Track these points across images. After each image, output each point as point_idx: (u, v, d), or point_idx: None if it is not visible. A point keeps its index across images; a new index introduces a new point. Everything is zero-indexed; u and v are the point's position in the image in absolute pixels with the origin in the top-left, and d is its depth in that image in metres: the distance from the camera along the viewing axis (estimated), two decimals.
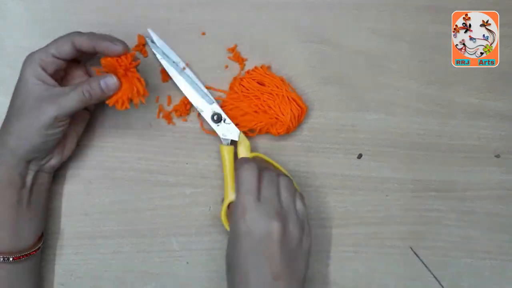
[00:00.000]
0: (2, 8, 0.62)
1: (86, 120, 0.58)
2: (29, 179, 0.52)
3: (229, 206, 0.56)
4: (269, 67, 0.61)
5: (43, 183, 0.55)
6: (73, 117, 0.54)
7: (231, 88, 0.61)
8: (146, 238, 0.59)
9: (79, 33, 0.52)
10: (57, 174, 0.59)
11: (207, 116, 0.58)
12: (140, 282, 0.59)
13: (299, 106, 0.59)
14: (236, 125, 0.59)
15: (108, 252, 0.59)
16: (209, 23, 0.63)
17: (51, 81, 0.51)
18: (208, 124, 0.59)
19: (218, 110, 0.58)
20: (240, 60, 0.62)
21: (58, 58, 0.51)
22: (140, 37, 0.61)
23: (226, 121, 0.58)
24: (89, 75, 0.57)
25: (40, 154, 0.52)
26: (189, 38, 0.62)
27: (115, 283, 0.59)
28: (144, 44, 0.61)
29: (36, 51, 0.52)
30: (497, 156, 0.62)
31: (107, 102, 0.52)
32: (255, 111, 0.59)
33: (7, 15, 0.62)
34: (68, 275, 0.59)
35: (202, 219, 0.60)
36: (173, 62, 0.59)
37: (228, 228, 0.56)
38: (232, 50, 0.62)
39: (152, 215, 0.60)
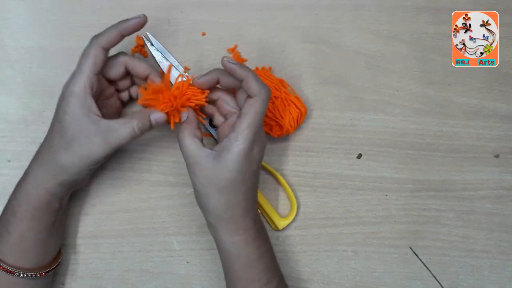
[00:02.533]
0: (3, 9, 0.62)
1: None
2: (64, 201, 0.54)
3: None
4: (270, 69, 0.62)
5: (68, 200, 0.56)
6: None
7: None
8: (147, 238, 0.60)
9: (98, 38, 0.52)
10: None
11: (205, 120, 0.57)
12: (141, 282, 0.59)
13: (298, 109, 0.59)
14: None
15: (108, 252, 0.59)
16: (209, 23, 0.63)
17: (97, 110, 0.50)
18: (206, 128, 0.59)
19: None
20: (240, 60, 0.62)
21: (97, 74, 0.51)
22: (139, 38, 0.61)
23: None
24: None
25: (84, 182, 0.54)
26: (189, 39, 0.62)
27: (115, 283, 0.59)
28: (143, 45, 0.61)
29: (76, 78, 0.50)
30: (496, 156, 0.62)
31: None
32: None
33: (9, 16, 0.62)
34: (69, 274, 0.59)
35: (202, 219, 0.59)
36: (172, 66, 0.59)
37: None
38: (232, 50, 0.62)
39: (152, 215, 0.60)
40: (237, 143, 0.49)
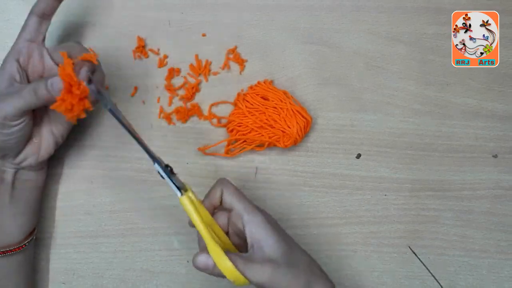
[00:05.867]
0: (4, 9, 0.62)
1: (68, 124, 0.55)
2: (8, 175, 0.53)
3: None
4: (271, 82, 0.62)
5: (28, 180, 0.55)
6: (45, 117, 0.53)
7: (235, 104, 0.61)
8: (147, 237, 0.60)
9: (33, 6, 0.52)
10: (58, 174, 0.60)
11: (161, 169, 0.49)
12: (141, 281, 0.59)
13: (304, 118, 0.60)
14: (243, 141, 0.60)
15: (109, 251, 0.60)
16: (210, 24, 0.63)
17: (17, 75, 0.50)
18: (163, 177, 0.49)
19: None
20: (240, 61, 0.62)
21: (30, 40, 0.52)
22: (140, 39, 0.61)
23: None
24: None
25: (6, 152, 0.52)
26: (189, 39, 0.63)
27: (116, 282, 0.59)
28: (144, 46, 0.62)
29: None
30: (495, 156, 0.63)
31: (51, 106, 0.47)
32: (261, 126, 0.60)
33: (9, 16, 0.62)
34: (70, 273, 0.59)
35: None
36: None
37: (244, 280, 0.47)
38: (232, 51, 0.63)
39: (153, 214, 0.60)
40: (256, 219, 0.49)
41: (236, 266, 0.46)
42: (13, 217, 0.53)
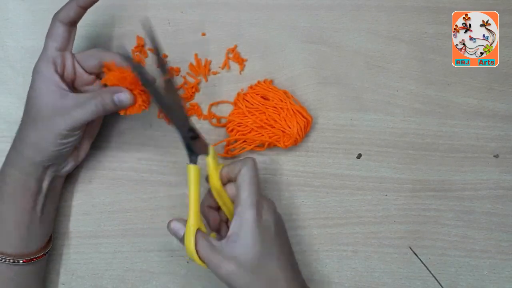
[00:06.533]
0: (4, 9, 0.62)
1: (100, 123, 0.58)
2: (45, 184, 0.53)
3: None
4: (271, 82, 0.62)
5: (57, 187, 0.55)
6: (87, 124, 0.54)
7: (235, 103, 0.61)
8: (147, 238, 0.60)
9: (57, 13, 0.51)
10: None
11: (183, 133, 0.51)
12: (141, 281, 0.59)
13: (305, 118, 0.59)
14: (243, 141, 0.60)
15: (109, 252, 0.59)
16: (209, 23, 0.63)
17: (63, 84, 0.50)
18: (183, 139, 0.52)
19: (192, 124, 0.52)
20: (240, 60, 0.62)
21: (60, 49, 0.51)
22: (140, 38, 0.61)
23: (199, 137, 0.52)
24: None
25: (56, 161, 0.52)
26: (189, 39, 0.62)
27: (115, 282, 0.59)
28: (143, 45, 0.61)
29: (40, 57, 0.51)
30: (496, 156, 0.62)
31: (121, 113, 0.52)
32: (261, 126, 0.59)
33: (9, 16, 0.62)
34: (69, 274, 0.59)
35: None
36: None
37: (201, 262, 0.49)
38: (232, 50, 0.62)
39: (152, 215, 0.60)
40: (245, 215, 0.48)
41: (200, 251, 0.48)
42: (40, 225, 0.54)
